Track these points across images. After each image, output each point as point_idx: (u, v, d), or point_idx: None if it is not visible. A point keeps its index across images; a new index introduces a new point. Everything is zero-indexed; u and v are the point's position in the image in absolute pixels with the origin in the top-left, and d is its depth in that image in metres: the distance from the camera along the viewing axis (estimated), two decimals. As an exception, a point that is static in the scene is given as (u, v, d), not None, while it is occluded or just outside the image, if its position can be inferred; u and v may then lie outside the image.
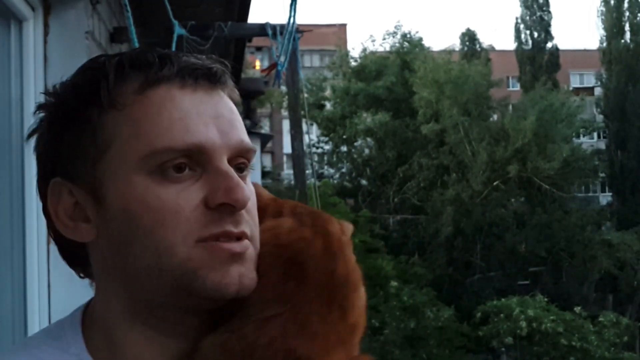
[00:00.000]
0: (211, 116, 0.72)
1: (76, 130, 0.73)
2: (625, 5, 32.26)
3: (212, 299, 0.71)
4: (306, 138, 9.01)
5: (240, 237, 0.72)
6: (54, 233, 0.77)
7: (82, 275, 0.80)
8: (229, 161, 0.73)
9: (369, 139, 29.01)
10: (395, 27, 33.54)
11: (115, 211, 0.71)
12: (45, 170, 0.75)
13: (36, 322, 2.21)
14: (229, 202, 0.70)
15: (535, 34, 33.07)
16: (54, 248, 2.40)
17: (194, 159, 0.71)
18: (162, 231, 0.69)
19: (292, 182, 7.87)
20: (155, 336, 0.74)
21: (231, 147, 0.73)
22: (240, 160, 0.74)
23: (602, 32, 32.69)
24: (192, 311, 0.73)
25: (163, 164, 0.70)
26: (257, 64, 22.74)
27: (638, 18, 32.19)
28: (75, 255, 0.77)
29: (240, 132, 0.74)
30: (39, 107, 0.77)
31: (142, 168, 0.70)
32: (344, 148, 30.16)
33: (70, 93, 0.74)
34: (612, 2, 32.50)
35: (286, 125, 17.03)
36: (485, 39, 74.97)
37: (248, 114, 10.72)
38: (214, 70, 0.74)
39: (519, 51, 33.11)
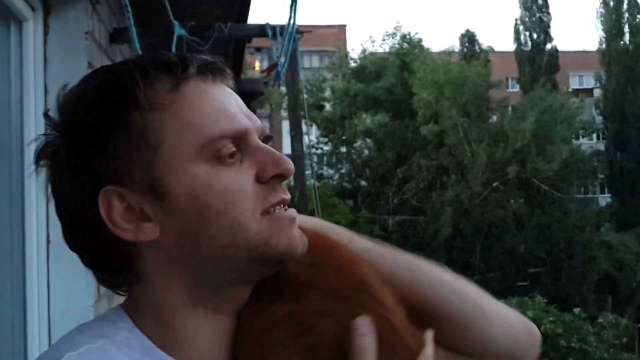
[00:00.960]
0: (235, 104, 0.80)
1: (123, 136, 0.74)
2: (625, 6, 32.29)
3: (284, 262, 0.78)
4: (306, 139, 9.02)
5: (288, 202, 0.80)
6: (88, 245, 0.78)
7: (116, 284, 0.81)
8: None
9: (368, 140, 29.03)
10: (395, 28, 33.62)
11: (182, 202, 0.74)
12: (85, 184, 0.75)
13: (35, 323, 2.21)
14: (281, 173, 0.78)
15: (535, 35, 33.09)
16: (53, 248, 2.39)
17: (237, 144, 0.77)
18: (234, 210, 0.75)
19: (292, 183, 7.87)
20: (216, 316, 0.78)
21: (257, 129, 0.81)
22: (262, 140, 0.82)
23: (602, 34, 32.72)
24: (253, 282, 0.80)
25: (218, 151, 0.75)
26: (257, 64, 22.73)
27: (637, 19, 32.22)
28: (116, 262, 0.78)
29: (256, 116, 0.82)
30: (55, 126, 0.77)
31: (199, 157, 0.75)
32: (343, 149, 30.18)
33: (105, 103, 0.75)
34: (611, 3, 32.53)
35: (286, 126, 17.05)
36: (485, 40, 74.95)
37: (248, 114, 10.69)
38: (220, 65, 0.81)
39: (519, 52, 33.13)
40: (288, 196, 0.80)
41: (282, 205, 0.79)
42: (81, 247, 0.79)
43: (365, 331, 0.74)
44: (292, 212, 0.80)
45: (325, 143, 30.45)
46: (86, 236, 0.77)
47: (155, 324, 0.77)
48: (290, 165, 0.79)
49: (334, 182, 29.31)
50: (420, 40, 30.93)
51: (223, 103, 0.78)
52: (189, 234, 0.75)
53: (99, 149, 0.74)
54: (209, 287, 0.77)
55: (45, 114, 0.79)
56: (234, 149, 0.77)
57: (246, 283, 0.79)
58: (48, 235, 2.27)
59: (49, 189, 0.80)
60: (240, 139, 0.77)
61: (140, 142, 0.74)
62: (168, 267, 0.77)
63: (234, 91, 0.83)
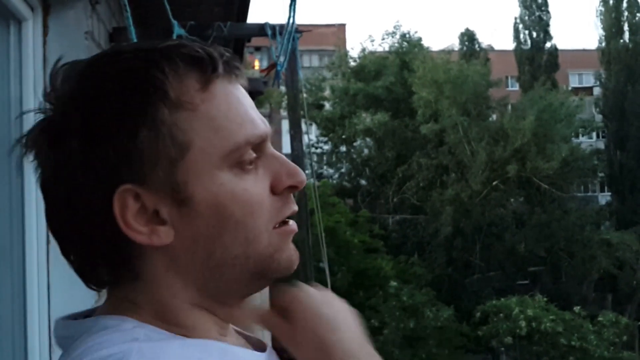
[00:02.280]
0: (252, 107, 0.77)
1: (151, 132, 0.69)
2: (624, 5, 32.29)
3: (281, 277, 0.77)
4: (305, 138, 9.01)
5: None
6: (83, 237, 0.72)
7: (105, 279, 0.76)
8: None
9: (368, 139, 29.02)
10: (394, 27, 33.52)
11: (203, 209, 0.71)
12: (100, 179, 0.69)
13: (36, 323, 2.21)
14: (295, 184, 0.76)
15: (534, 34, 33.09)
16: (53, 248, 2.39)
17: (255, 149, 0.74)
18: (252, 221, 0.73)
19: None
20: (215, 318, 0.77)
21: (269, 133, 0.77)
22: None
23: (601, 32, 32.73)
24: (245, 297, 0.79)
25: (241, 157, 0.73)
26: (257, 64, 22.74)
27: (637, 18, 32.22)
28: (112, 258, 0.73)
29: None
30: (63, 108, 0.72)
31: (224, 163, 0.72)
32: (343, 148, 30.17)
33: (131, 94, 0.70)
34: (611, 2, 32.52)
35: (285, 125, 17.03)
36: (484, 39, 75.06)
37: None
38: (237, 61, 0.77)
39: (518, 51, 33.13)
40: (296, 208, 0.78)
41: (291, 218, 0.78)
42: (74, 238, 0.73)
43: None
44: (294, 224, 0.78)
45: (325, 142, 30.44)
46: (86, 228, 0.72)
47: (157, 319, 0.73)
48: (304, 177, 0.77)
49: (334, 182, 29.29)
50: (419, 39, 30.92)
51: (246, 106, 0.75)
52: (202, 240, 0.72)
53: (123, 142, 0.69)
54: (212, 292, 0.75)
55: (47, 94, 0.74)
56: (255, 155, 0.74)
57: (240, 297, 0.78)
58: (48, 235, 2.26)
59: (40, 168, 0.74)
60: (259, 145, 0.75)
61: (168, 141, 0.69)
62: (173, 272, 0.73)
63: (246, 90, 0.79)
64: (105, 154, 0.69)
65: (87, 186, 0.70)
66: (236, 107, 0.74)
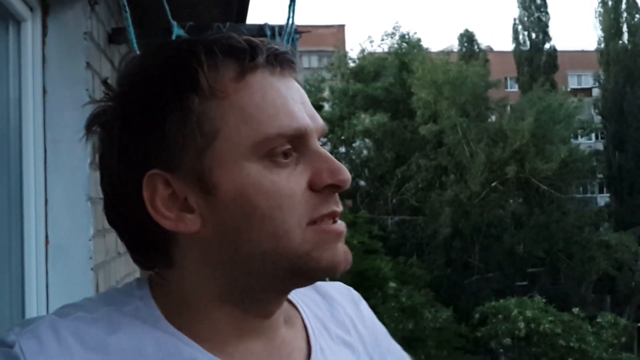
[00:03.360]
0: (299, 101, 0.75)
1: (179, 119, 0.70)
2: (623, 6, 32.33)
3: (325, 277, 0.75)
4: (304, 139, 8.97)
5: (339, 215, 0.75)
6: (126, 223, 0.75)
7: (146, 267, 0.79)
8: None
9: (367, 140, 29.02)
10: (394, 28, 33.64)
11: (228, 199, 0.71)
12: (133, 163, 0.72)
13: (34, 323, 2.21)
14: (337, 183, 0.73)
15: (533, 35, 33.11)
16: (52, 249, 2.38)
17: (294, 144, 0.73)
18: (280, 216, 0.71)
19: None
20: (242, 315, 0.76)
21: (318, 130, 0.76)
22: (320, 141, 0.77)
23: (600, 33, 32.77)
24: (287, 293, 0.78)
25: (272, 150, 0.71)
26: (256, 64, 22.71)
27: (636, 19, 32.25)
28: (152, 245, 0.75)
29: (319, 116, 0.78)
30: (113, 96, 0.74)
31: (253, 154, 0.71)
32: (342, 149, 30.16)
33: (163, 82, 0.71)
34: (610, 3, 32.55)
35: (284, 126, 17.00)
36: (483, 40, 75.06)
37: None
38: (290, 56, 0.76)
39: (517, 52, 33.15)
40: (340, 209, 0.75)
41: (331, 218, 0.74)
42: (119, 224, 0.76)
43: None
44: (341, 225, 0.75)
45: (324, 143, 30.42)
46: (125, 213, 0.74)
47: (177, 304, 0.75)
48: (348, 177, 0.74)
49: (333, 182, 29.22)
50: (419, 40, 30.93)
51: (287, 98, 0.73)
52: (230, 232, 0.72)
53: (152, 128, 0.71)
54: (242, 288, 0.74)
55: (104, 81, 0.76)
56: (289, 146, 0.72)
57: (280, 293, 0.77)
58: (47, 236, 2.26)
59: (96, 158, 0.77)
60: (299, 139, 0.73)
61: (195, 129, 0.70)
62: (203, 261, 0.74)
63: (300, 83, 0.78)
64: (138, 139, 0.71)
65: (122, 171, 0.73)
66: (273, 98, 0.72)
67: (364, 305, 0.95)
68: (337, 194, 0.75)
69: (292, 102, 0.74)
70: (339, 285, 0.95)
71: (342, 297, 0.93)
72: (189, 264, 0.74)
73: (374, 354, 0.90)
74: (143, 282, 0.78)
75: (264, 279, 0.73)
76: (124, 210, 0.74)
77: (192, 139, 0.70)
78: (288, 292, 0.79)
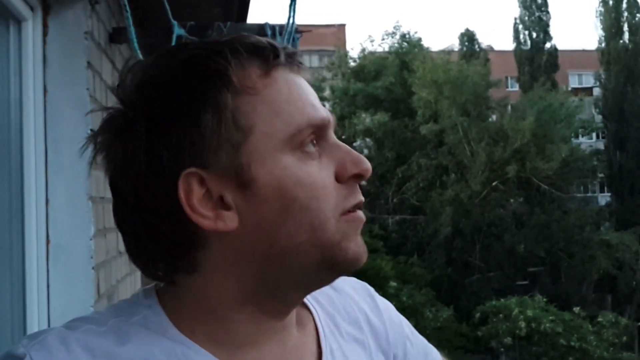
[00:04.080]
0: (314, 96, 0.78)
1: (214, 116, 0.70)
2: (624, 5, 32.30)
3: (350, 269, 0.75)
4: (305, 138, 8.97)
5: (362, 206, 0.77)
6: (150, 229, 0.73)
7: (161, 274, 0.76)
8: None
9: (368, 140, 29.01)
10: (394, 27, 33.61)
11: (267, 193, 0.71)
12: (165, 165, 0.70)
13: (35, 323, 2.21)
14: (361, 173, 0.75)
15: (534, 34, 33.09)
16: (53, 248, 2.38)
17: (317, 135, 0.75)
18: (318, 206, 0.72)
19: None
20: (261, 316, 0.76)
21: (333, 123, 0.79)
22: None
23: (601, 33, 32.73)
24: (309, 290, 0.79)
25: (303, 141, 0.73)
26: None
27: (637, 18, 32.22)
28: (174, 250, 0.73)
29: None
30: (131, 101, 0.72)
31: (287, 146, 0.72)
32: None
33: (195, 80, 0.71)
34: (610, 2, 32.53)
35: (285, 125, 16.99)
36: (484, 40, 75.12)
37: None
38: (300, 56, 0.78)
39: (518, 51, 33.13)
40: (363, 198, 0.77)
41: (359, 208, 0.76)
42: (139, 230, 0.73)
43: None
44: (363, 214, 0.77)
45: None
46: (151, 218, 0.72)
47: (190, 309, 0.74)
48: (369, 166, 0.76)
49: (334, 182, 29.24)
50: (419, 39, 30.91)
51: (307, 92, 0.76)
52: (267, 226, 0.72)
53: (186, 126, 0.70)
54: (270, 286, 0.74)
55: (116, 88, 0.75)
56: (315, 138, 0.75)
57: (305, 289, 0.78)
58: (48, 235, 2.27)
59: (108, 165, 0.74)
60: (322, 130, 0.75)
61: (231, 125, 0.71)
62: (232, 261, 0.73)
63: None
64: (169, 139, 0.70)
65: (152, 173, 0.71)
66: (297, 92, 0.75)
67: (379, 298, 0.96)
68: (358, 185, 0.77)
69: (311, 96, 0.77)
70: (352, 280, 0.95)
71: (355, 292, 0.93)
72: (215, 266, 0.74)
73: (389, 348, 0.90)
74: (150, 291, 0.78)
75: (294, 274, 0.74)
76: (149, 216, 0.72)
77: (228, 135, 0.71)
78: (310, 290, 0.79)
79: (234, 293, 0.74)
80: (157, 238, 0.73)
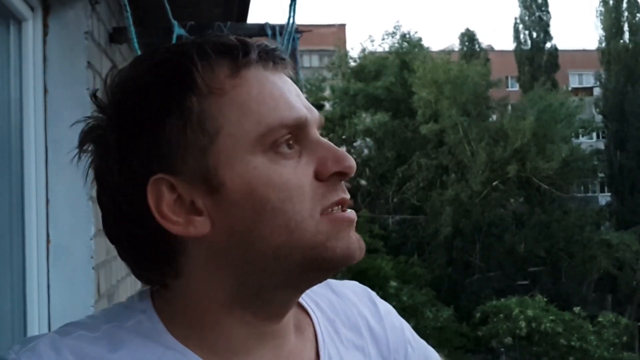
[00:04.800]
0: (295, 94, 0.75)
1: (179, 120, 0.69)
2: (624, 5, 32.30)
3: (340, 267, 0.74)
4: (305, 138, 8.97)
5: (348, 203, 0.75)
6: (130, 237, 0.73)
7: (151, 279, 0.76)
8: None
9: (368, 139, 29.02)
10: (395, 27, 33.62)
11: (237, 196, 0.70)
12: (134, 171, 0.70)
13: (35, 323, 2.21)
14: (343, 170, 0.73)
15: (534, 34, 33.09)
16: (53, 248, 2.38)
17: (295, 134, 0.72)
18: (292, 207, 0.70)
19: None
20: (251, 320, 0.74)
21: (316, 120, 0.76)
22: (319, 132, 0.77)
23: (601, 32, 32.73)
24: (301, 290, 0.77)
25: (276, 142, 0.71)
26: (256, 64, 22.70)
27: (637, 18, 32.22)
28: (157, 256, 0.73)
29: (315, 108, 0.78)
30: (104, 108, 0.73)
31: (257, 148, 0.70)
32: (343, 148, 30.07)
33: (160, 85, 0.71)
34: (611, 2, 32.53)
35: (285, 125, 16.98)
36: (484, 39, 75.15)
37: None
38: (280, 53, 0.76)
39: (518, 51, 33.13)
40: (348, 196, 0.74)
41: (341, 206, 0.73)
42: (122, 238, 0.74)
43: None
44: (352, 213, 0.75)
45: (325, 142, 30.37)
46: (129, 226, 0.72)
47: (182, 314, 0.74)
48: (353, 163, 0.73)
49: (334, 182, 29.21)
50: (419, 39, 30.92)
51: (283, 90, 0.73)
52: (240, 230, 0.70)
53: (151, 132, 0.69)
54: (253, 288, 0.73)
55: (93, 95, 0.75)
56: (290, 138, 0.72)
57: (294, 289, 0.76)
58: (48, 235, 2.27)
59: (93, 176, 0.75)
60: (300, 129, 0.72)
61: (196, 129, 0.69)
62: (213, 265, 0.72)
63: (293, 81, 0.78)
64: (138, 146, 0.70)
65: (124, 181, 0.71)
66: (270, 90, 0.72)
67: (380, 302, 0.95)
68: (343, 183, 0.75)
69: (289, 93, 0.74)
70: (353, 284, 0.94)
71: (356, 297, 0.92)
72: (197, 270, 0.73)
73: (389, 355, 0.89)
74: (145, 294, 0.77)
75: (277, 276, 0.72)
76: (127, 224, 0.72)
77: (194, 139, 0.69)
78: (301, 290, 0.77)
79: (219, 297, 0.73)
80: (138, 245, 0.73)
